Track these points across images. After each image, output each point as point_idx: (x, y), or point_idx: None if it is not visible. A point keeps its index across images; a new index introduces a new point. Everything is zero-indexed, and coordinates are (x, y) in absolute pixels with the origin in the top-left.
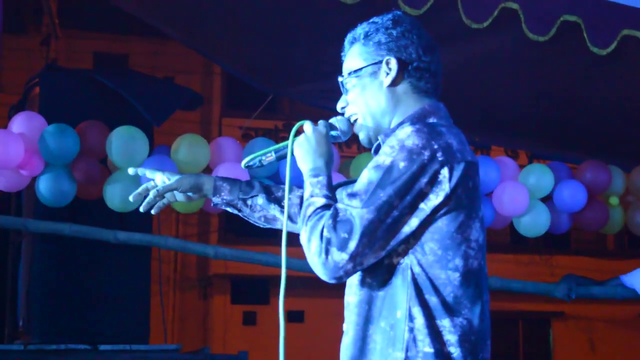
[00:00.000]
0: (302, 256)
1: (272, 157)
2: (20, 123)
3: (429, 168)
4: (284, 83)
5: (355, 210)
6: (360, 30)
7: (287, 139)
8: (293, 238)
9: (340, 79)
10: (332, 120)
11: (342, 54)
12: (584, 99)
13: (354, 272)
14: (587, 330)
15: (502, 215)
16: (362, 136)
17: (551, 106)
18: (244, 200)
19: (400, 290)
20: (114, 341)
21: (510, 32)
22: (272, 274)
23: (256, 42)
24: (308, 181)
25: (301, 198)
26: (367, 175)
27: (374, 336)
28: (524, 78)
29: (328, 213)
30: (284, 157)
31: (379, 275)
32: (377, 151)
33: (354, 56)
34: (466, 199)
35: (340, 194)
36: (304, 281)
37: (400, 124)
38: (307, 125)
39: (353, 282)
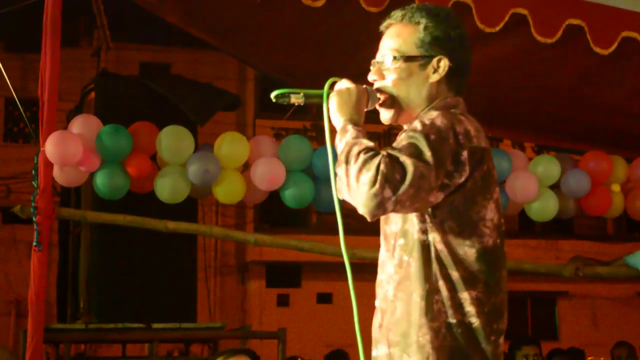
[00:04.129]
0: (335, 243)
1: (301, 99)
2: (78, 124)
3: (453, 149)
4: (315, 86)
5: (410, 160)
6: (419, 15)
7: (314, 138)
8: (323, 227)
9: (384, 53)
10: (368, 89)
11: (389, 21)
12: (588, 96)
13: (386, 213)
14: (589, 307)
15: (514, 202)
16: (387, 115)
17: (558, 103)
18: None
19: (427, 265)
20: (165, 320)
21: (520, 35)
22: (303, 259)
23: (289, 48)
24: (349, 126)
25: None
26: (407, 139)
27: (411, 308)
28: (532, 78)
29: (384, 153)
30: (313, 102)
31: (410, 251)
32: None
33: (406, 39)
34: (481, 180)
35: None
36: (331, 266)
37: (424, 111)
38: (349, 82)
39: (386, 261)
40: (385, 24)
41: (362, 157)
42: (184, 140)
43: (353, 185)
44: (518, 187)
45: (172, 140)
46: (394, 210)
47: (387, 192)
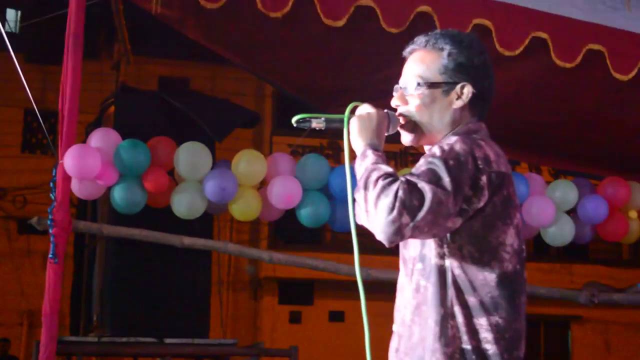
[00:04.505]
0: (349, 262)
1: (322, 124)
2: (97, 138)
3: (472, 174)
4: (331, 103)
5: (429, 186)
6: (443, 41)
7: (331, 156)
8: (338, 245)
9: (408, 79)
10: (390, 114)
11: (413, 47)
12: (607, 121)
13: (404, 239)
14: (603, 332)
15: (530, 226)
16: (408, 138)
17: (577, 127)
18: None
19: (443, 290)
20: (178, 335)
21: (540, 59)
22: (315, 277)
23: (309, 66)
24: (369, 151)
25: None
26: (426, 165)
27: (426, 333)
28: (551, 101)
29: (402, 179)
30: (334, 127)
31: (427, 276)
32: None
33: (430, 65)
34: (501, 206)
35: None
36: (344, 284)
37: (445, 137)
38: (370, 107)
39: (405, 286)
40: (408, 49)
41: (380, 183)
42: (202, 157)
43: (371, 211)
44: (535, 212)
45: (190, 157)
46: (412, 236)
47: (406, 219)
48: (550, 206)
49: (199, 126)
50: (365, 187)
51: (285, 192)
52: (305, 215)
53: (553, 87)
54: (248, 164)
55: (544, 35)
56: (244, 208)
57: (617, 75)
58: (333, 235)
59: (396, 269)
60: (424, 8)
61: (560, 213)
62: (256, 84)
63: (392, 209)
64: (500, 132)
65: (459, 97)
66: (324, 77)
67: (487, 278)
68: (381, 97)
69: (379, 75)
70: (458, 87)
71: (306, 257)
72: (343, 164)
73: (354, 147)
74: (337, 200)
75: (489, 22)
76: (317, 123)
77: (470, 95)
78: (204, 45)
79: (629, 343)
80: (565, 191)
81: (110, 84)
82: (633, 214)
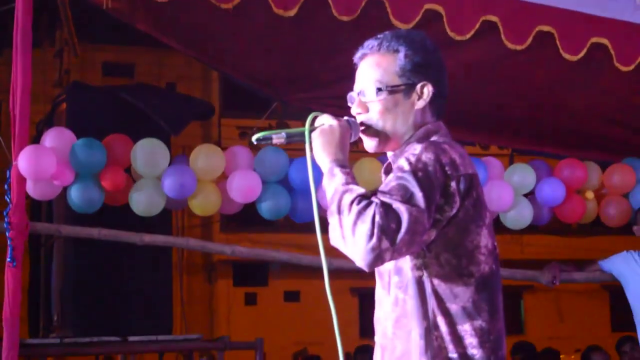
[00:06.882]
0: (306, 242)
1: (282, 139)
2: (51, 138)
3: (442, 182)
4: (286, 91)
5: (404, 206)
6: (397, 43)
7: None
8: (294, 225)
9: (365, 85)
10: (350, 122)
11: (364, 51)
12: (560, 100)
13: (384, 263)
14: (555, 300)
15: (490, 211)
16: (371, 143)
17: (530, 107)
18: None
19: (423, 302)
20: (141, 332)
21: (491, 42)
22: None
23: (262, 55)
24: (336, 169)
25: None
26: (396, 180)
27: (410, 346)
28: (504, 83)
29: (377, 201)
30: (295, 141)
31: (405, 289)
32: (386, 171)
33: (387, 68)
34: (472, 209)
35: None
36: (297, 265)
37: (407, 143)
38: (330, 118)
39: (383, 299)
40: (358, 54)
41: (355, 208)
42: (159, 153)
43: (349, 238)
44: (494, 197)
45: (147, 154)
46: (392, 259)
47: (385, 244)
48: (509, 191)
49: (153, 120)
50: (339, 211)
51: (244, 186)
52: (266, 209)
53: (505, 69)
54: (206, 158)
55: (494, 18)
56: (204, 203)
57: (567, 56)
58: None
59: None
60: None
61: (518, 197)
62: (202, 67)
63: (371, 235)
64: (454, 113)
65: (420, 97)
66: (277, 65)
67: (466, 283)
68: (335, 82)
69: (332, 63)
70: (418, 87)
71: (268, 250)
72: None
73: (319, 163)
74: (297, 191)
75: (440, 7)
76: (278, 139)
77: (430, 94)
78: (155, 37)
79: (580, 310)
80: (523, 175)
81: (53, 73)
82: (590, 194)
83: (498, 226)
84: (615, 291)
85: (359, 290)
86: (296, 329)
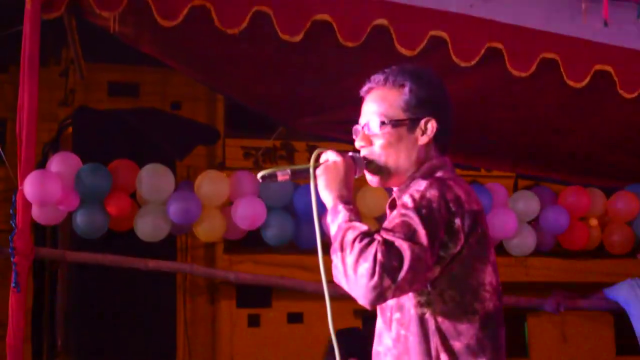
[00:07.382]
0: (311, 263)
1: (288, 175)
2: (57, 163)
3: (446, 219)
4: (291, 116)
5: (406, 243)
6: (403, 78)
7: (287, 160)
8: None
9: (370, 118)
10: (355, 157)
11: (370, 85)
12: (564, 127)
13: (386, 301)
14: (559, 324)
15: (493, 238)
16: (375, 180)
17: (535, 133)
18: None
19: (426, 340)
20: (144, 358)
21: (495, 69)
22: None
23: (268, 80)
24: (340, 206)
25: None
26: (399, 218)
27: None
28: (508, 109)
29: (379, 239)
30: (300, 177)
31: (407, 326)
32: (390, 206)
33: (392, 102)
34: (477, 245)
35: None
36: None
37: (412, 179)
38: (335, 154)
39: (383, 333)
40: (365, 88)
41: (357, 246)
42: (165, 179)
43: (351, 276)
44: (497, 224)
45: (153, 179)
46: (394, 297)
47: (387, 282)
48: (513, 218)
49: (159, 145)
50: (342, 249)
51: (249, 213)
52: (270, 235)
53: (509, 95)
54: (211, 184)
55: (499, 45)
56: (209, 229)
57: (571, 83)
58: None
59: None
60: (380, 21)
61: (522, 224)
62: (208, 88)
63: (373, 274)
64: (458, 138)
65: (424, 133)
66: (282, 90)
67: (471, 320)
68: (339, 107)
69: (337, 88)
70: (422, 122)
71: (272, 277)
72: (296, 164)
73: (323, 199)
74: (301, 218)
75: (445, 34)
76: (283, 175)
77: (434, 130)
78: (161, 60)
79: (584, 334)
80: (527, 202)
81: (59, 92)
82: (593, 222)
83: (502, 247)
84: (619, 315)
85: (362, 312)
86: (299, 350)
